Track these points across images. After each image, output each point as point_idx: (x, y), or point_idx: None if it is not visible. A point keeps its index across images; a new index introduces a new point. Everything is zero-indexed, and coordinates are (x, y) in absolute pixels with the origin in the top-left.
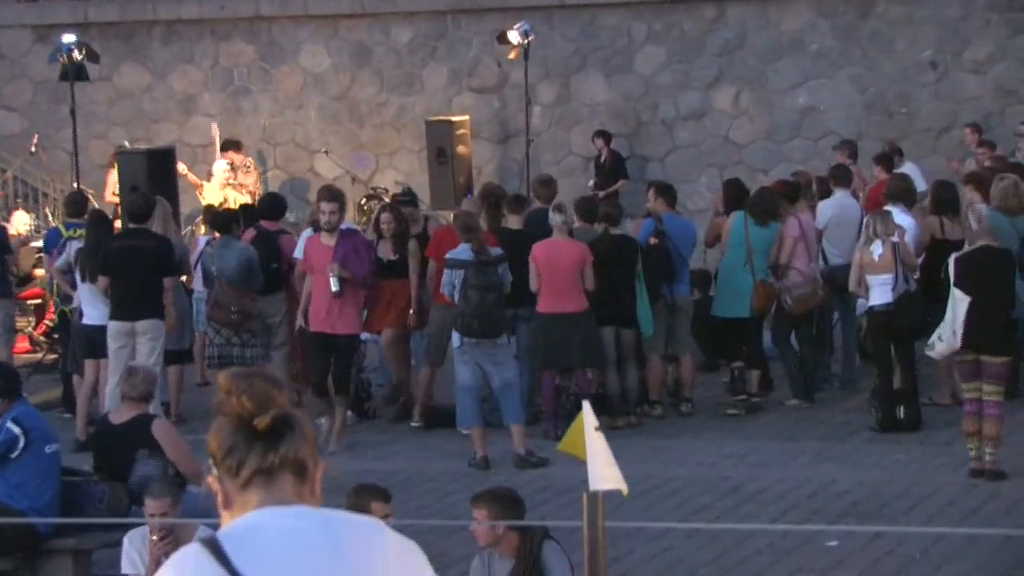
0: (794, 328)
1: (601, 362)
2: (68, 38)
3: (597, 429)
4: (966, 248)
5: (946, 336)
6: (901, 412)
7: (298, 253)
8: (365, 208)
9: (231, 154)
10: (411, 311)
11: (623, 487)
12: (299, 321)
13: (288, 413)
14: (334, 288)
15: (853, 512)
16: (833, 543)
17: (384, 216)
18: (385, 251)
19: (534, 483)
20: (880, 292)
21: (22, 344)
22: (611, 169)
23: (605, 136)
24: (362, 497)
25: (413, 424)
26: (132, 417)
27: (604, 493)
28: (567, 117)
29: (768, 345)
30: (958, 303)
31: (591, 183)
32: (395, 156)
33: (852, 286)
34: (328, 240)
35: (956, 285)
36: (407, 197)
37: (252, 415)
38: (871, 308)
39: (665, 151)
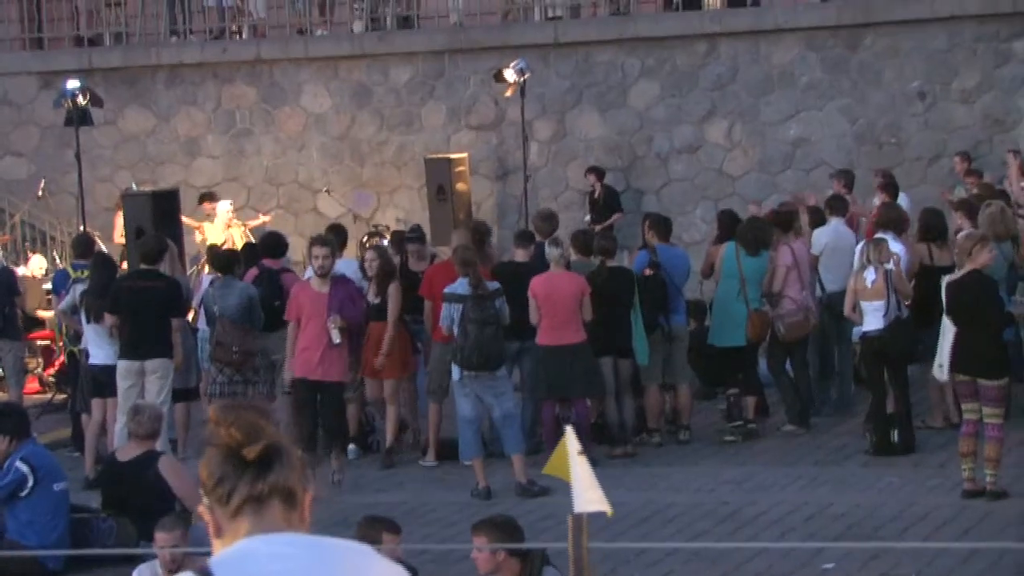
0: (788, 355)
1: (600, 391)
2: (72, 83)
3: (580, 453)
4: (954, 275)
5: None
6: (895, 436)
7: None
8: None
9: (207, 205)
10: (379, 355)
11: (607, 508)
12: (287, 374)
13: (276, 442)
14: (336, 340)
15: (848, 535)
16: (830, 565)
17: (368, 255)
18: (369, 293)
19: (536, 511)
20: (873, 318)
21: (32, 385)
22: (605, 204)
23: (597, 172)
24: (373, 528)
25: (425, 464)
26: (139, 454)
27: (589, 515)
28: (563, 153)
29: (764, 372)
30: (947, 330)
31: (587, 219)
32: (396, 194)
33: (847, 312)
34: (321, 287)
35: (946, 312)
36: (415, 234)
37: (241, 445)
38: (864, 334)
39: (660, 184)
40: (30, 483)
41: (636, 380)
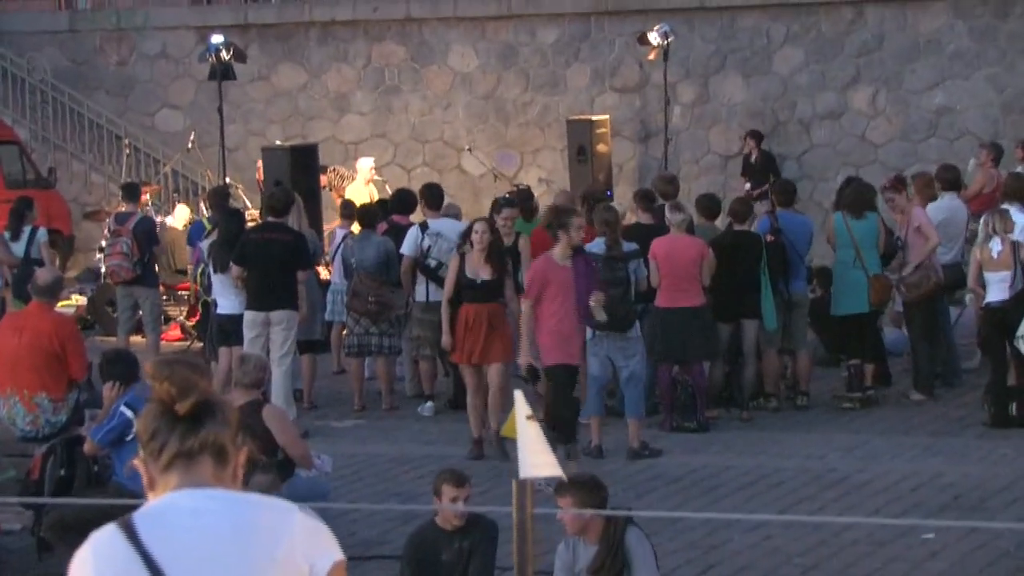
0: (911, 318)
1: (716, 355)
2: (216, 39)
3: (530, 418)
4: None
5: None
6: (1013, 408)
7: (406, 249)
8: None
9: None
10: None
11: (558, 473)
12: (524, 358)
13: (209, 399)
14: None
15: (954, 505)
16: (930, 535)
17: (478, 227)
18: (474, 267)
19: (644, 472)
20: (997, 289)
21: (174, 332)
22: (762, 168)
23: (756, 136)
24: (438, 479)
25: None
26: (243, 403)
27: (533, 480)
28: (706, 117)
29: (890, 340)
30: None
31: (747, 185)
32: (539, 154)
33: (971, 283)
34: (563, 260)
35: None
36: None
37: (174, 400)
38: (987, 304)
39: (802, 150)
40: (134, 428)
41: (757, 345)
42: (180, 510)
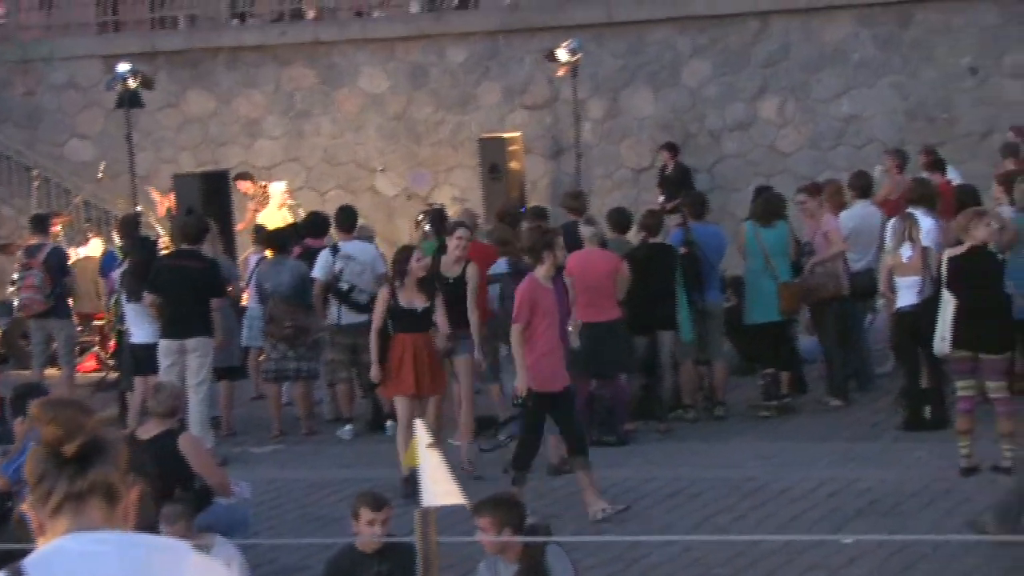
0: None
1: (632, 368)
2: (123, 67)
3: (430, 446)
4: (956, 249)
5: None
6: (927, 412)
7: (317, 272)
8: (421, 224)
9: (245, 183)
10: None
11: (461, 501)
12: (521, 383)
13: (96, 438)
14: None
15: (870, 510)
16: (848, 540)
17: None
18: (408, 296)
19: (565, 487)
20: (908, 294)
21: (90, 363)
22: (677, 181)
23: (671, 148)
24: (356, 502)
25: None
26: (159, 432)
27: (436, 509)
28: (617, 131)
29: (806, 348)
30: (946, 304)
31: (660, 198)
32: (452, 173)
33: (883, 288)
34: (546, 281)
35: (947, 286)
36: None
37: (61, 442)
38: (899, 309)
39: (713, 161)
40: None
41: (672, 356)
42: (69, 555)
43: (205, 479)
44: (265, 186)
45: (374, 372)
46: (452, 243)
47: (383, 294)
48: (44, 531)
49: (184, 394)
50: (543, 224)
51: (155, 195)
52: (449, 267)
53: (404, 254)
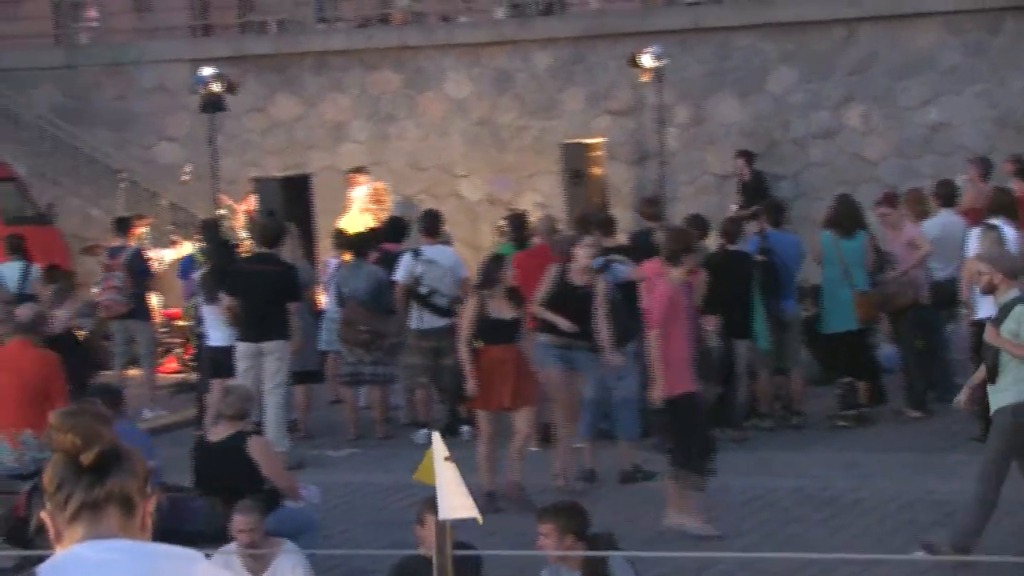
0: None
1: (708, 376)
2: (206, 71)
3: (447, 459)
4: None
5: None
6: None
7: (399, 276)
8: (504, 231)
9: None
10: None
11: (475, 515)
12: (660, 390)
13: (114, 448)
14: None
15: (945, 522)
16: (919, 553)
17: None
18: (497, 306)
19: (636, 495)
20: (988, 303)
21: (170, 364)
22: (752, 188)
23: (747, 155)
24: (423, 508)
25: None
26: (228, 435)
27: (453, 522)
28: (701, 137)
29: (887, 356)
30: None
31: (733, 206)
32: (534, 179)
33: (963, 296)
34: (682, 285)
35: None
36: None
37: (79, 450)
38: (979, 319)
39: (797, 169)
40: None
41: (749, 364)
42: (83, 562)
43: (273, 482)
44: (380, 187)
45: (471, 386)
46: (580, 251)
47: (471, 304)
48: (61, 538)
49: (256, 397)
50: (685, 227)
51: (227, 202)
52: (577, 277)
53: (495, 263)
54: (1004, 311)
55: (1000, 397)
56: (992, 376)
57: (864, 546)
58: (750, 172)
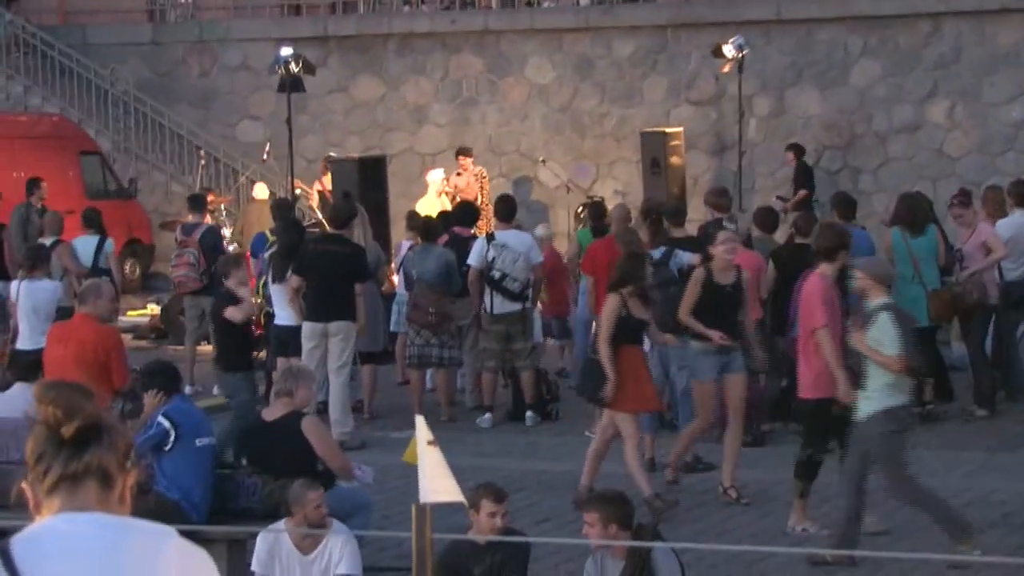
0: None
1: (773, 368)
2: (285, 51)
3: (431, 443)
4: None
5: None
6: None
7: (472, 260)
8: (582, 217)
9: (467, 160)
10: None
11: (459, 498)
12: (846, 391)
13: (96, 422)
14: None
15: (1002, 523)
16: (977, 552)
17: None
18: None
19: (697, 485)
20: None
21: None
22: (795, 180)
23: (796, 148)
24: (477, 494)
25: (591, 434)
26: (284, 414)
27: (433, 505)
28: (781, 129)
29: (958, 355)
30: None
31: (775, 197)
32: (614, 166)
33: None
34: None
35: None
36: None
37: (60, 423)
38: None
39: (878, 163)
40: (172, 438)
41: None
42: (56, 534)
43: (327, 462)
44: (482, 173)
45: (610, 389)
46: (720, 248)
47: (613, 302)
48: (39, 509)
49: (305, 375)
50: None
51: (300, 186)
52: (721, 274)
53: (637, 261)
54: (870, 317)
55: (865, 404)
56: (858, 382)
57: (920, 545)
58: (798, 164)
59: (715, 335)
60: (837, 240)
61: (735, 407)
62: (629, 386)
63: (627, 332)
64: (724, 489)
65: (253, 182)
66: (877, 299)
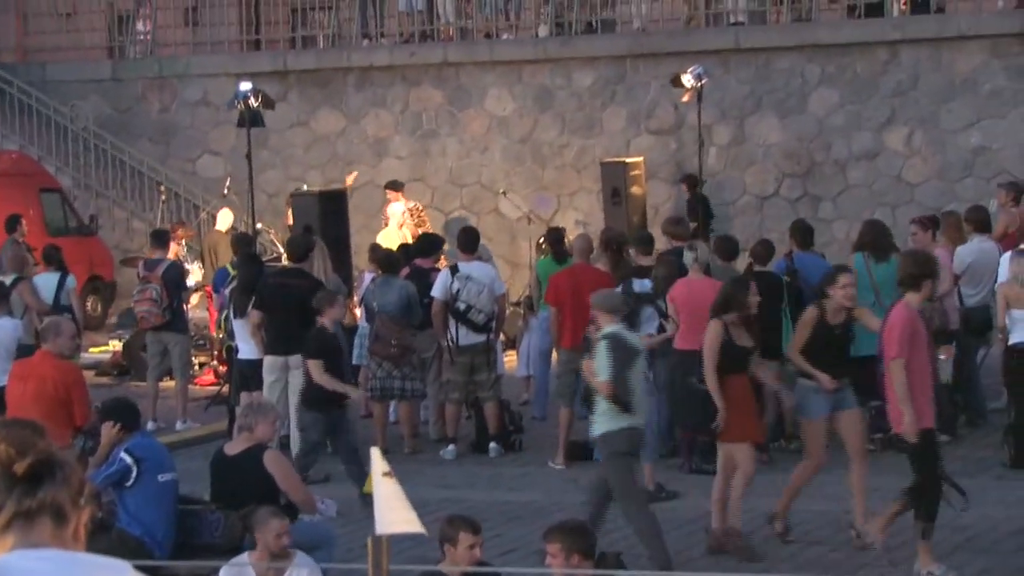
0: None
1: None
2: (244, 86)
3: (386, 474)
4: None
5: None
6: None
7: (436, 292)
8: (544, 248)
9: (395, 194)
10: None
11: (418, 529)
12: (912, 425)
13: (48, 458)
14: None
15: (967, 547)
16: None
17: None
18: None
19: (659, 515)
20: (1021, 329)
21: (207, 377)
22: (692, 212)
23: (689, 180)
24: (452, 527)
25: (554, 466)
26: (246, 448)
27: (389, 537)
28: (742, 158)
29: None
30: None
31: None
32: (575, 197)
33: (1000, 321)
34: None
35: None
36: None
37: (12, 460)
38: (1011, 345)
39: (838, 190)
40: (134, 474)
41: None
42: (11, 570)
43: (290, 496)
44: (420, 208)
45: (721, 418)
46: (840, 293)
47: (715, 329)
48: None
49: (268, 409)
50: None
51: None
52: (833, 315)
53: (741, 286)
54: (592, 345)
55: (594, 428)
56: (590, 406)
57: (883, 570)
58: (691, 195)
59: (825, 379)
60: (921, 268)
61: (853, 445)
62: (734, 417)
63: (731, 360)
64: (857, 533)
65: (214, 217)
66: (603, 328)
